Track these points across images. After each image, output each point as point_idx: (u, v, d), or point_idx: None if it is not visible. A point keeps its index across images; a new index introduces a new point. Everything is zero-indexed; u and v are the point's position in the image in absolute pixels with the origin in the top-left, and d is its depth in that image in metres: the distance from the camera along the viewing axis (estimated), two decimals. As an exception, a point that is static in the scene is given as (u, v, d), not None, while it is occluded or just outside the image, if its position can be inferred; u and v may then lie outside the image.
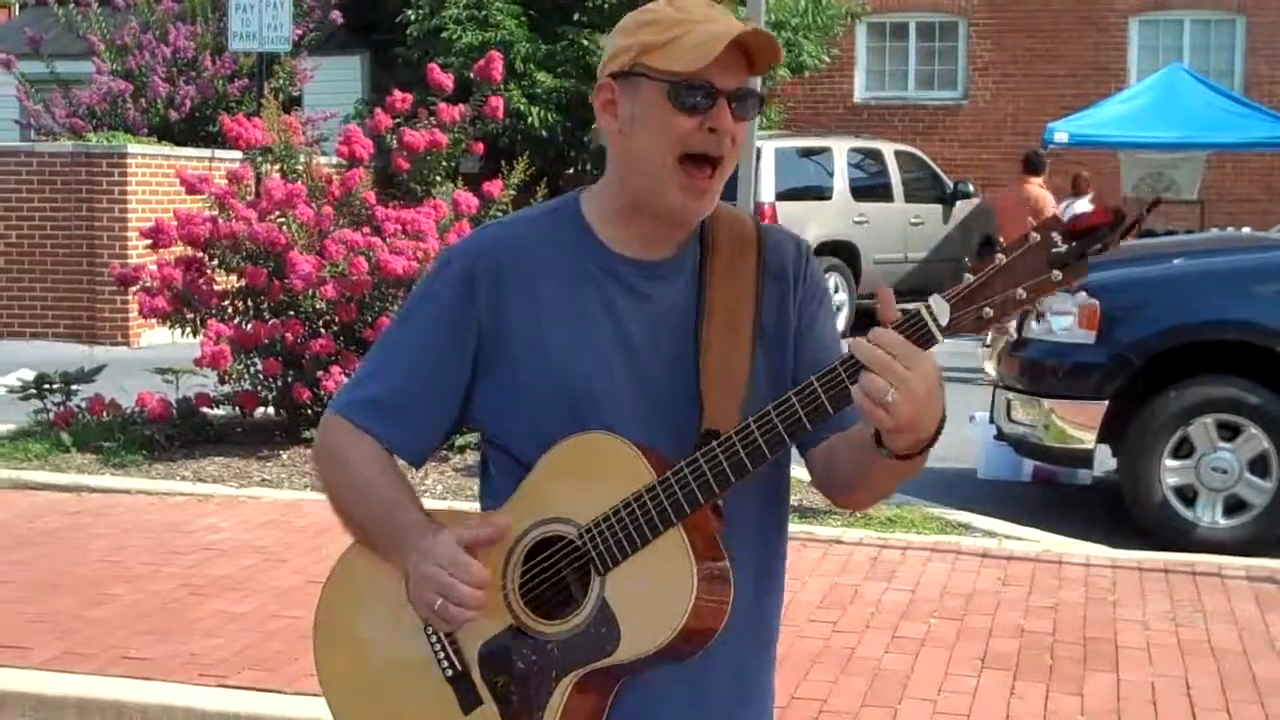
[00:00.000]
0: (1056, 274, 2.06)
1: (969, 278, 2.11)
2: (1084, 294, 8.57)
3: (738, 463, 2.21)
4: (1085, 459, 8.73)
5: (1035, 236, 2.07)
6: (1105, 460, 8.89)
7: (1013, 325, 2.33)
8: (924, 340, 2.11)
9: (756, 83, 2.55)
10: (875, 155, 19.46)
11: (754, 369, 2.38)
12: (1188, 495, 8.44)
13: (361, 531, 2.46)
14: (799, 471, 2.66)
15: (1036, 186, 15.73)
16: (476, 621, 2.32)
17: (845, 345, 2.28)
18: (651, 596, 2.23)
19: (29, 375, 10.66)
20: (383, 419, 2.43)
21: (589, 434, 2.31)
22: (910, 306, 2.13)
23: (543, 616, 2.31)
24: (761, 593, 2.46)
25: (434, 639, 2.38)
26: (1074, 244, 2.06)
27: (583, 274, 2.39)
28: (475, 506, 2.60)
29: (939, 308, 2.11)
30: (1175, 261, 9.37)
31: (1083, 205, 15.20)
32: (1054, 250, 2.06)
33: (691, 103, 2.29)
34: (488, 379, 2.41)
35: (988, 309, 2.09)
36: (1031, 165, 16.10)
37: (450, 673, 2.36)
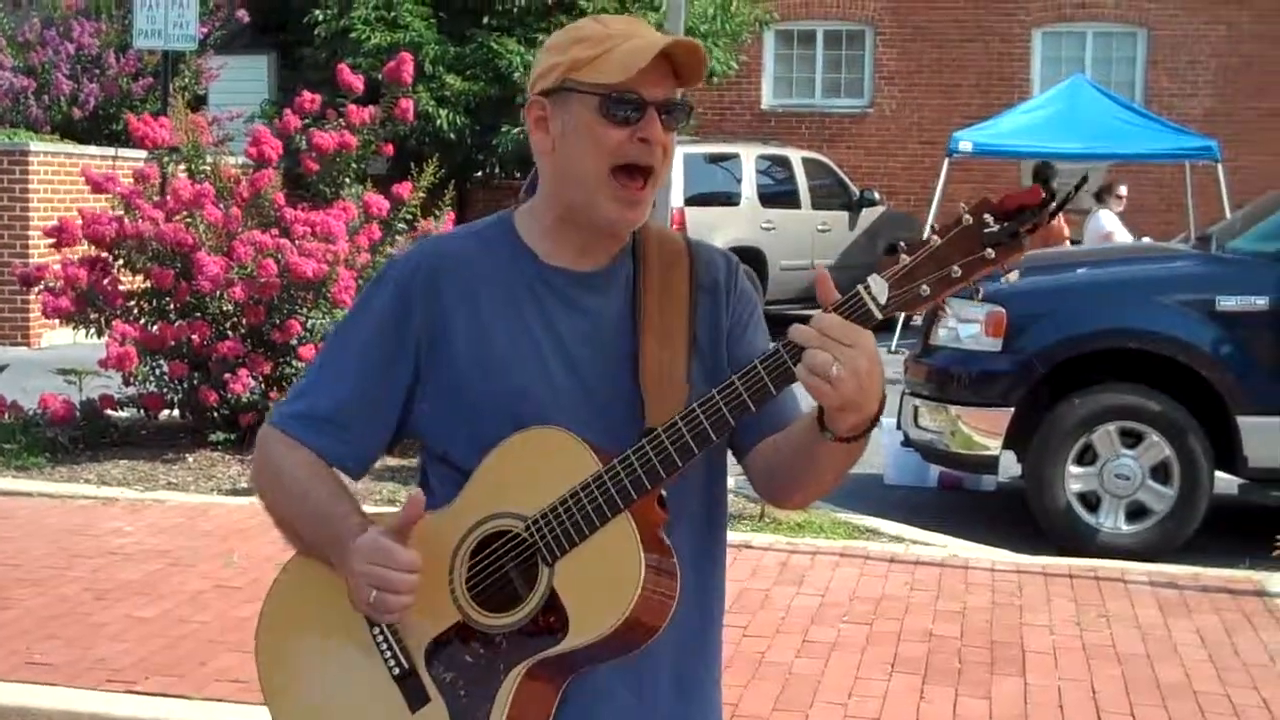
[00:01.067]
0: (990, 252, 2.10)
1: (905, 258, 2.15)
2: (990, 302, 8.69)
3: (683, 446, 2.25)
4: (991, 465, 8.84)
5: (968, 218, 2.12)
6: (1009, 466, 9.01)
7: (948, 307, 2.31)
8: (863, 319, 2.16)
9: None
10: (783, 162, 19.57)
11: (691, 378, 2.40)
12: (1091, 501, 8.56)
13: (301, 541, 2.46)
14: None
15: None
16: (422, 619, 2.34)
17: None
18: (599, 583, 2.26)
19: (-72, 375, 10.49)
20: (320, 432, 2.44)
21: (536, 429, 2.33)
22: (851, 290, 2.16)
23: (491, 610, 2.32)
24: (704, 601, 2.49)
25: (380, 640, 2.38)
26: (1006, 224, 2.10)
27: (520, 286, 2.42)
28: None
29: (878, 287, 2.15)
30: (1079, 270, 9.52)
31: (1108, 216, 15.27)
32: (986, 230, 2.11)
33: (622, 115, 2.34)
34: (427, 390, 2.43)
35: (925, 287, 2.13)
36: (1042, 178, 16.25)
37: (397, 672, 2.37)
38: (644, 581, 2.24)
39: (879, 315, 2.16)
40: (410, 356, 2.42)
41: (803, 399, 2.37)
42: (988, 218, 2.11)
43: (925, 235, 2.18)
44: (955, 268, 2.12)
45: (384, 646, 2.38)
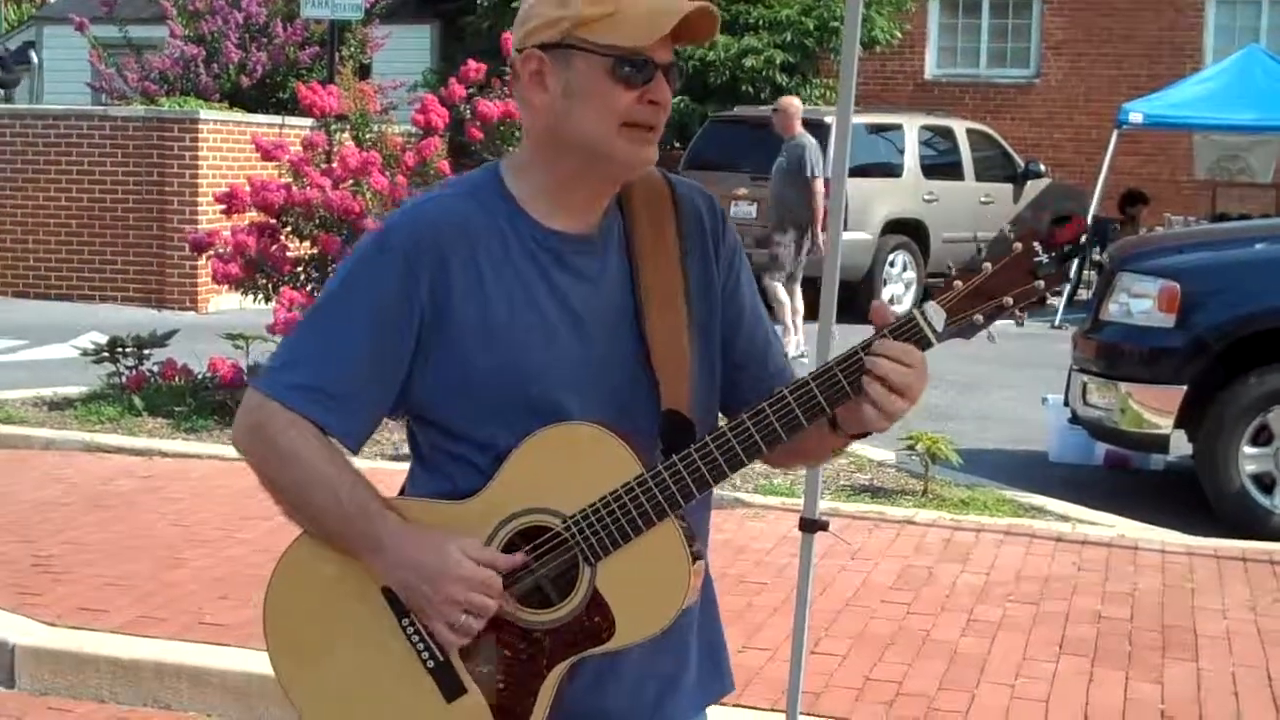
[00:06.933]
0: (1040, 283, 2.23)
1: (959, 285, 2.24)
2: (1163, 277, 8.48)
3: (734, 457, 2.30)
4: (1162, 444, 8.64)
5: (1018, 246, 2.23)
6: (1179, 446, 8.79)
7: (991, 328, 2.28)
8: (920, 345, 2.25)
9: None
10: (946, 133, 19.30)
11: (692, 339, 2.42)
12: (1266, 483, 8.33)
13: (320, 525, 2.39)
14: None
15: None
16: None
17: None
18: (646, 584, 2.30)
19: (100, 339, 10.73)
20: (324, 408, 2.36)
21: (569, 424, 2.31)
22: (905, 313, 2.26)
23: (526, 605, 2.32)
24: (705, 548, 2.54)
25: (412, 632, 2.36)
26: (1053, 255, 2.22)
27: (519, 251, 2.37)
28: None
29: (934, 314, 2.25)
30: (1257, 246, 9.24)
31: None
32: (1036, 259, 2.23)
33: (632, 77, 2.30)
34: (429, 362, 2.36)
35: (978, 315, 2.24)
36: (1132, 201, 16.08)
37: (431, 664, 2.36)
38: (691, 583, 2.30)
39: (934, 341, 2.25)
40: (413, 327, 2.34)
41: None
42: (1037, 247, 2.22)
43: (977, 260, 2.27)
44: (1007, 298, 2.23)
45: (415, 638, 2.36)
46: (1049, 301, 2.29)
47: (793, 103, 14.54)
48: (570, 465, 2.30)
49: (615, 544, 2.28)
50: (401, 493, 2.49)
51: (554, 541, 2.31)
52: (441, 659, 2.35)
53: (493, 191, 2.40)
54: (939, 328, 2.23)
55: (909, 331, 2.24)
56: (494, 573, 2.29)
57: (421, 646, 2.36)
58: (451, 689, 2.35)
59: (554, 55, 2.32)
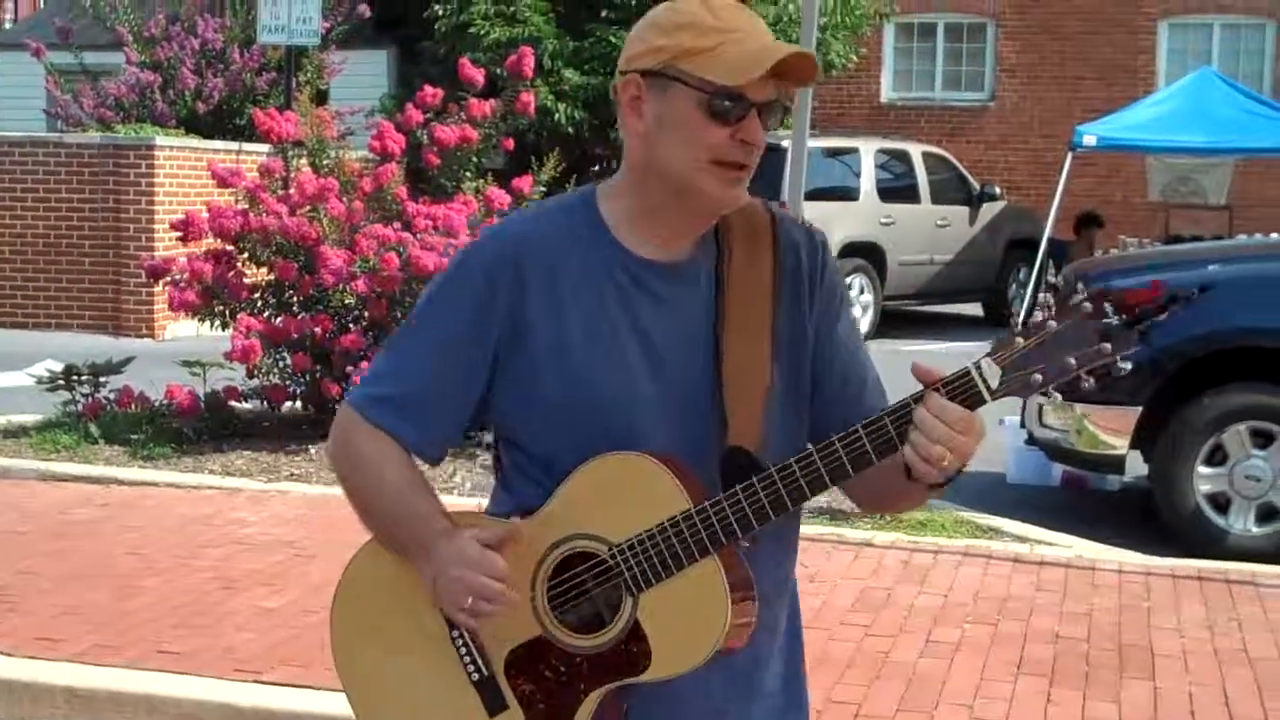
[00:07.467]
0: (1107, 345, 2.10)
1: (1020, 341, 2.14)
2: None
3: (778, 500, 2.27)
4: (1117, 465, 8.69)
5: (1086, 306, 2.10)
6: (1135, 466, 8.83)
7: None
8: (973, 402, 2.18)
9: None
10: (902, 156, 19.39)
11: (773, 377, 2.39)
12: (1221, 503, 8.38)
13: (383, 530, 2.47)
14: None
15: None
16: (505, 628, 2.37)
17: (868, 346, 2.36)
18: (684, 621, 2.29)
19: (56, 366, 10.67)
20: (403, 419, 2.42)
21: (621, 454, 2.32)
22: (960, 369, 2.17)
23: (569, 629, 2.34)
24: (781, 589, 2.53)
25: (460, 644, 2.40)
26: (1124, 316, 2.09)
27: (603, 276, 2.38)
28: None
29: (989, 371, 2.16)
30: (1210, 268, 9.31)
31: None
32: (1105, 321, 2.10)
33: (726, 113, 2.29)
34: (506, 380, 2.40)
35: (1037, 375, 2.13)
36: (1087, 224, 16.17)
37: (476, 677, 2.40)
38: (730, 621, 2.27)
39: (989, 399, 2.16)
40: (490, 348, 2.38)
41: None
42: (1107, 308, 2.09)
43: (1040, 316, 2.14)
44: (1071, 359, 2.11)
45: (463, 650, 2.40)
46: (1121, 366, 2.12)
47: None
48: (622, 494, 2.31)
49: (658, 576, 2.28)
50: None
51: (601, 568, 2.32)
52: (486, 673, 2.38)
53: (584, 213, 2.42)
54: (994, 384, 2.15)
55: (962, 388, 2.17)
56: (495, 555, 2.32)
57: (468, 659, 2.39)
58: (494, 704, 2.39)
59: (652, 83, 2.32)
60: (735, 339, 2.37)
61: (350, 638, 2.52)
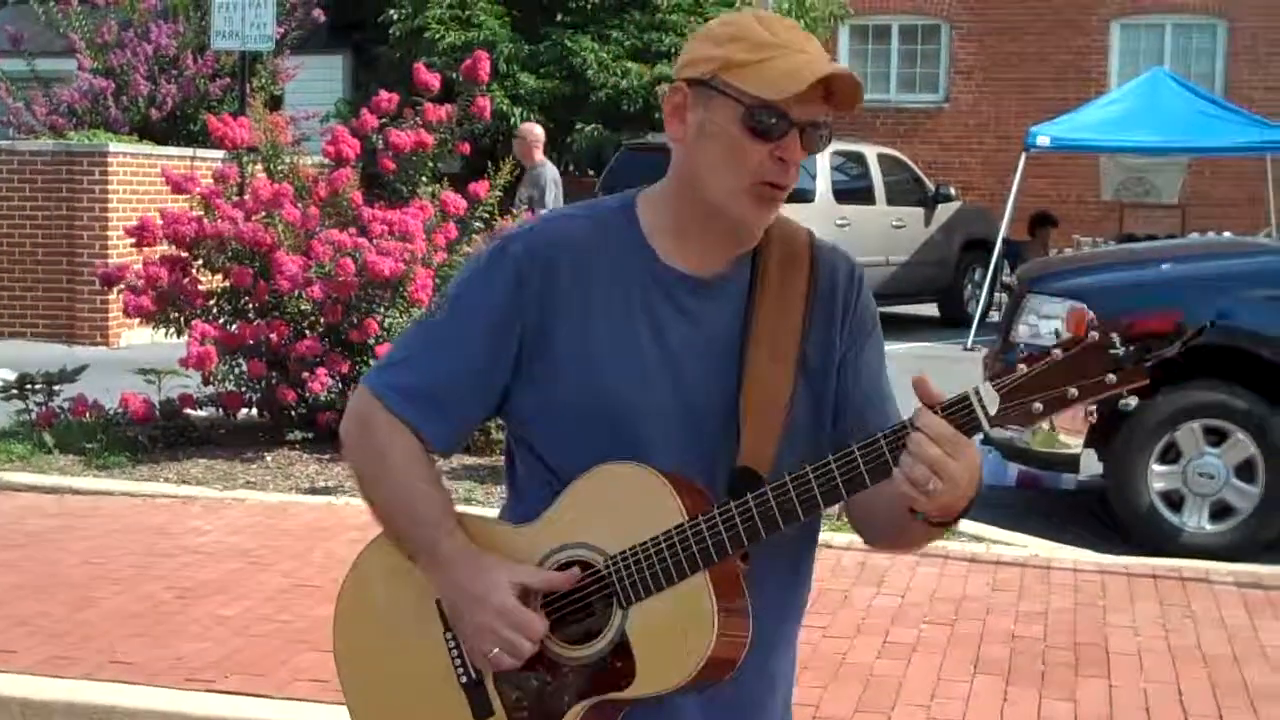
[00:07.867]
0: (1112, 377, 2.04)
1: (1022, 368, 2.08)
2: (1070, 298, 8.58)
3: (770, 518, 2.22)
4: (1072, 464, 8.73)
5: (1094, 335, 2.05)
6: (1090, 465, 8.88)
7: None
8: (970, 429, 2.11)
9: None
10: (858, 158, 19.44)
11: (794, 400, 2.36)
12: (1174, 500, 8.44)
13: (391, 528, 2.45)
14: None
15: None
16: None
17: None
18: (670, 639, 2.26)
19: (9, 375, 10.59)
20: (422, 411, 2.40)
21: (624, 464, 2.30)
22: (958, 393, 2.12)
23: (558, 637, 2.33)
24: (785, 614, 2.49)
25: (452, 645, 2.40)
26: (1132, 348, 2.04)
27: (632, 283, 2.36)
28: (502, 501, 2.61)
29: (988, 397, 2.09)
30: (1163, 266, 9.38)
31: None
32: (1112, 352, 2.05)
33: (765, 129, 2.26)
34: (526, 379, 2.39)
35: (1038, 404, 2.08)
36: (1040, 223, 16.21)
37: (465, 680, 2.39)
38: (716, 638, 2.23)
39: (987, 427, 2.10)
40: (516, 335, 2.36)
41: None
42: (1115, 338, 2.05)
43: (1049, 346, 2.09)
44: (1073, 389, 2.06)
45: (454, 651, 2.39)
46: (1127, 402, 2.05)
47: (533, 130, 14.49)
48: (621, 505, 2.28)
49: (648, 590, 2.25)
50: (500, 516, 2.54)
51: (593, 577, 2.30)
52: (475, 677, 2.37)
53: (622, 218, 2.41)
54: (992, 412, 2.08)
55: (959, 413, 2.10)
56: (534, 617, 2.29)
57: (459, 662, 2.38)
58: (481, 708, 2.37)
59: (697, 92, 2.31)
60: (760, 357, 2.34)
61: (349, 634, 2.52)
